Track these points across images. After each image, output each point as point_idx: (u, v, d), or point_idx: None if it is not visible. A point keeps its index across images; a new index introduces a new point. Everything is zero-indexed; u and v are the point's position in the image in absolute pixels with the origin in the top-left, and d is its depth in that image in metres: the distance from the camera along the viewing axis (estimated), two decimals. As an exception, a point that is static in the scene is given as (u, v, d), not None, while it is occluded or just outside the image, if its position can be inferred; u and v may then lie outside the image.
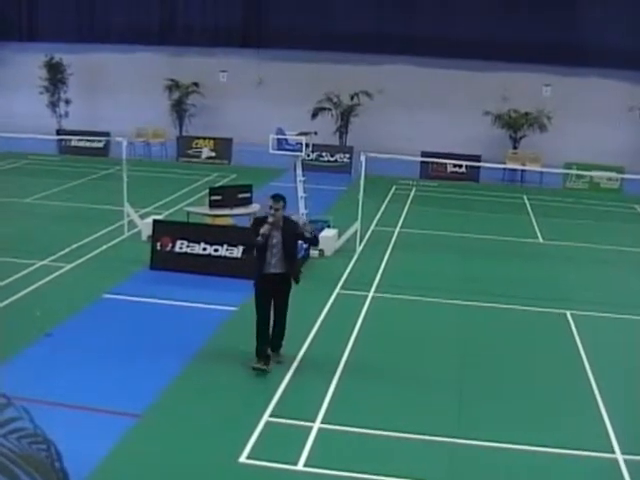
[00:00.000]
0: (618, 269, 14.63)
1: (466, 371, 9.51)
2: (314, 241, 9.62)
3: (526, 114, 24.93)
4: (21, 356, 9.12)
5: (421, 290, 12.48)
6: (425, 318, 11.45)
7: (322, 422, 7.86)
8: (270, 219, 8.79)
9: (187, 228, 13.45)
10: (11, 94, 28.80)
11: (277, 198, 8.93)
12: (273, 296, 9.07)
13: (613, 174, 22.11)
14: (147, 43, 28.33)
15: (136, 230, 14.83)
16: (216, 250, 12.76)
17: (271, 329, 9.23)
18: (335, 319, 11.00)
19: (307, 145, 14.55)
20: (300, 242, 13.75)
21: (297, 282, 9.22)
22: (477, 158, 21.25)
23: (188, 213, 14.69)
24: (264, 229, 8.74)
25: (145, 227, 14.31)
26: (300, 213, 9.76)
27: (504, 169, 23.31)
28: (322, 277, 12.96)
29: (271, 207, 8.86)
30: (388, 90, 26.92)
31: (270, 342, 9.22)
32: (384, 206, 19.01)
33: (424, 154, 22.94)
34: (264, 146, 15.11)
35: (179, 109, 27.46)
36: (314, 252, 14.00)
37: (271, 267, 8.91)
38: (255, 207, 14.28)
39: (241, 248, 12.47)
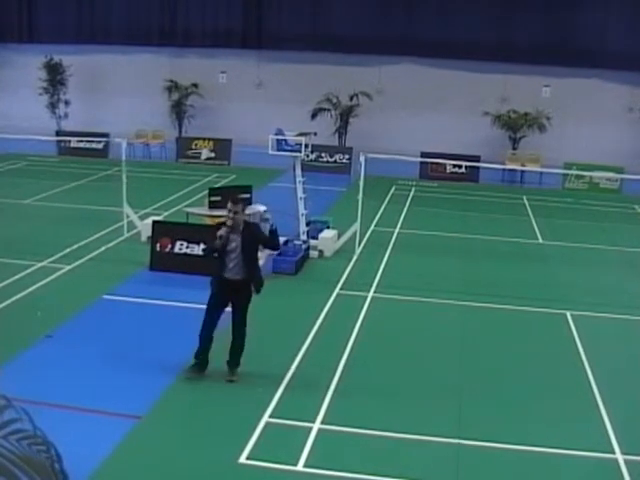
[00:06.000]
0: (618, 269, 14.64)
1: (466, 371, 9.50)
2: (274, 244, 9.13)
3: (525, 115, 24.94)
4: (21, 357, 9.11)
5: (420, 291, 12.49)
6: (425, 319, 11.46)
7: (322, 423, 7.86)
8: (229, 222, 8.48)
9: (186, 229, 13.45)
10: (10, 95, 28.79)
11: (236, 201, 8.71)
12: (231, 303, 8.69)
13: (612, 174, 22.12)
14: (147, 44, 28.30)
15: (135, 231, 14.83)
16: (216, 251, 12.75)
17: (230, 343, 8.76)
18: (335, 319, 11.00)
19: (306, 146, 14.54)
20: (300, 243, 13.72)
21: (258, 292, 8.72)
22: (477, 159, 21.23)
23: (187, 214, 14.68)
24: (221, 231, 8.46)
25: (144, 228, 14.30)
26: (263, 213, 9.26)
27: (503, 170, 23.29)
28: (321, 278, 12.97)
29: (230, 210, 8.52)
30: (387, 91, 26.96)
31: (227, 362, 8.80)
32: (383, 207, 19.01)
33: (423, 154, 22.93)
34: (263, 147, 15.10)
35: (178, 110, 27.45)
36: (314, 253, 14.01)
37: (229, 272, 8.54)
38: (254, 208, 14.27)
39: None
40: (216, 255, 8.66)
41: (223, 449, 7.31)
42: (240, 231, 8.51)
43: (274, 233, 8.98)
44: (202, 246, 12.19)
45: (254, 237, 8.70)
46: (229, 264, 8.53)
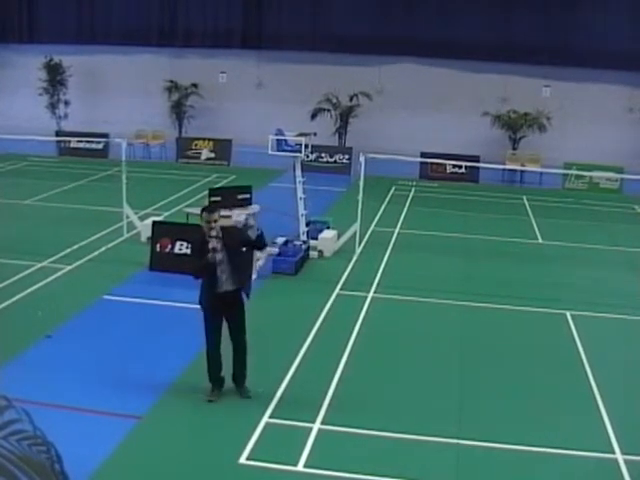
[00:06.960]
0: (618, 269, 14.63)
1: (466, 371, 9.51)
2: (260, 244, 8.64)
3: (525, 115, 24.94)
4: (21, 358, 9.12)
5: (420, 291, 12.49)
6: (424, 319, 11.46)
7: (322, 423, 7.87)
8: (213, 233, 8.06)
9: (187, 229, 13.43)
10: (10, 95, 28.80)
11: (211, 210, 8.33)
12: (227, 318, 8.27)
13: (612, 174, 22.12)
14: (147, 44, 28.31)
15: (135, 231, 14.83)
16: (216, 251, 12.74)
17: (232, 359, 8.43)
18: (335, 320, 11.00)
19: (306, 146, 14.55)
20: (300, 243, 13.72)
21: (248, 296, 8.47)
22: (476, 159, 21.21)
23: (187, 214, 14.69)
24: (211, 244, 8.00)
25: (144, 228, 14.31)
26: (244, 219, 8.81)
27: (503, 170, 23.28)
28: (321, 278, 12.97)
29: (208, 221, 8.10)
30: (387, 91, 26.97)
31: (232, 376, 8.50)
32: (383, 207, 19.01)
33: (423, 155, 22.93)
34: (263, 147, 15.11)
35: (178, 110, 27.46)
36: (313, 253, 14.01)
37: (223, 284, 8.12)
38: (254, 208, 14.28)
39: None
40: (203, 274, 8.26)
41: (223, 449, 7.31)
42: (220, 238, 8.13)
43: (260, 237, 8.48)
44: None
45: (236, 240, 8.29)
46: (222, 276, 8.12)
